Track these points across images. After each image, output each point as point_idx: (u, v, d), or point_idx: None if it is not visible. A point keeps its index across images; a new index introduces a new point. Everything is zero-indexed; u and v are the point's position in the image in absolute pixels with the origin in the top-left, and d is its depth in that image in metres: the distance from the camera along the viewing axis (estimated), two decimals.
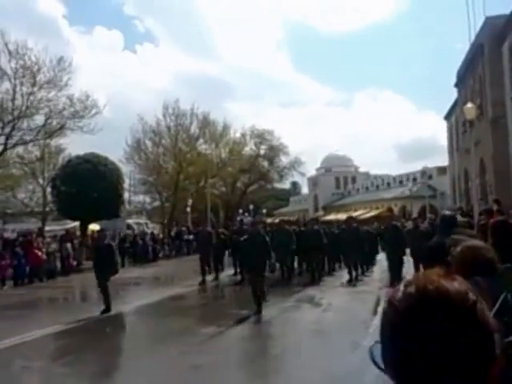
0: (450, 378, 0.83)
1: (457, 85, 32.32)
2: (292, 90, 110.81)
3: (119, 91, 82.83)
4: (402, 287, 0.91)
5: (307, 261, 16.69)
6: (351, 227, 16.30)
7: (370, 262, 18.40)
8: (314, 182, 68.99)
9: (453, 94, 34.01)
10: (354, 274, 15.38)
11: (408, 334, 0.85)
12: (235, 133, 49.51)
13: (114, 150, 64.65)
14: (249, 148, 51.63)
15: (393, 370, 0.89)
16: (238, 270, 17.17)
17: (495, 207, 12.25)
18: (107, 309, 11.33)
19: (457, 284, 0.88)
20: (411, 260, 13.41)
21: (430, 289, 0.86)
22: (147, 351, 7.82)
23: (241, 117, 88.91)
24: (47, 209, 38.50)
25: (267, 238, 11.95)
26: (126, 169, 41.18)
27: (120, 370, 7.41)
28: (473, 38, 26.42)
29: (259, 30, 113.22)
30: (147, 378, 6.42)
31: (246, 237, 11.98)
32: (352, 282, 14.91)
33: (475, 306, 0.86)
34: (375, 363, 1.09)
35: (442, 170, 46.13)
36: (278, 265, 15.35)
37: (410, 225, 16.63)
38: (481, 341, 0.84)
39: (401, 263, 13.67)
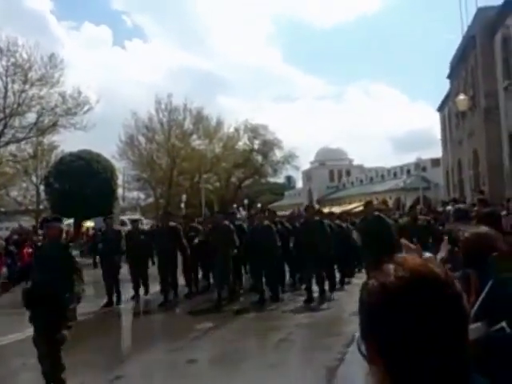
0: (438, 356, 0.86)
1: (449, 76, 32.35)
2: (284, 84, 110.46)
3: (110, 87, 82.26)
4: (390, 270, 0.92)
5: (306, 270, 11.00)
6: (311, 221, 11.02)
7: (344, 271, 12.96)
8: (308, 175, 68.98)
9: (446, 86, 34.08)
10: (323, 288, 10.87)
11: (400, 314, 0.87)
12: (229, 128, 49.56)
13: (106, 146, 64.58)
14: (242, 143, 51.70)
15: (383, 352, 0.90)
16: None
17: (479, 197, 12.38)
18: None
19: (440, 269, 0.92)
20: None
21: (423, 271, 0.90)
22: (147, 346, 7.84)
23: (233, 111, 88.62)
24: (41, 207, 38.41)
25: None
26: (120, 165, 41.14)
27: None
28: (465, 29, 26.44)
29: (250, 24, 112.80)
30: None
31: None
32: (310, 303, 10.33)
33: (461, 290, 0.91)
34: (363, 354, 1.09)
35: (435, 162, 46.23)
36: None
37: (404, 219, 12.83)
38: (463, 323, 0.90)
39: None
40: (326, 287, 11.01)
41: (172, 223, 12.07)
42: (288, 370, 6.47)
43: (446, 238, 4.21)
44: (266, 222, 11.24)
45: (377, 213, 10.55)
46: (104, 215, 13.81)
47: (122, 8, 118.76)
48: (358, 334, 1.13)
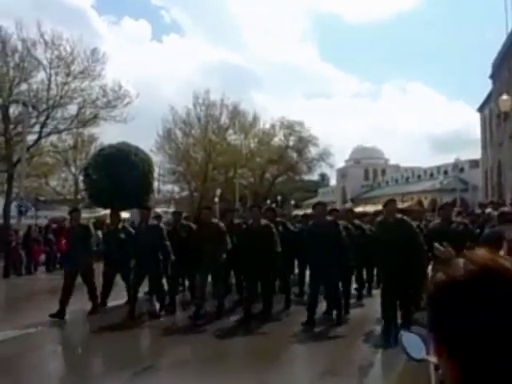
0: (506, 353, 0.84)
1: (492, 76, 31.63)
2: (319, 81, 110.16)
3: (148, 81, 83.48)
4: (460, 264, 0.91)
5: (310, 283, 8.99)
6: (320, 222, 8.65)
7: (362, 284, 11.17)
8: (342, 173, 68.48)
9: (487, 86, 33.35)
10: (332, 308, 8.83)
11: (468, 308, 0.86)
12: (265, 124, 49.55)
13: (142, 140, 65.48)
14: (278, 139, 51.57)
15: (449, 346, 0.89)
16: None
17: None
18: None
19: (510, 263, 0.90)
20: None
21: (492, 266, 0.88)
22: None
23: (266, 107, 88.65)
24: (79, 197, 39.24)
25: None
26: (157, 158, 41.66)
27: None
28: (510, 26, 25.81)
29: (285, 20, 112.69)
30: None
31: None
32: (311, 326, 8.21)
33: None
34: (405, 351, 1.14)
35: (474, 163, 45.31)
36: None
37: (435, 222, 9.23)
38: None
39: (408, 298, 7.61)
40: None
41: (154, 222, 10.24)
42: None
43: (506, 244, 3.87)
44: (264, 221, 8.94)
45: (399, 215, 8.10)
46: (140, 207, 13.59)
47: (160, 3, 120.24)
48: (403, 333, 1.18)
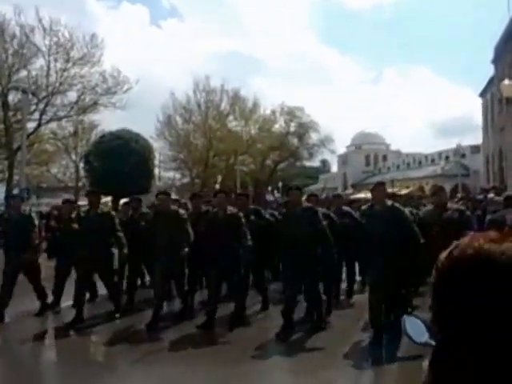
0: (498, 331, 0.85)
1: (494, 61, 31.41)
2: (321, 66, 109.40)
3: (147, 67, 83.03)
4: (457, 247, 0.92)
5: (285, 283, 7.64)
6: (295, 211, 7.27)
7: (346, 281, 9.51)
8: (343, 159, 68.41)
9: (489, 71, 33.12)
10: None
11: (458, 290, 0.87)
12: (265, 110, 49.39)
13: (142, 125, 65.36)
14: (279, 125, 51.43)
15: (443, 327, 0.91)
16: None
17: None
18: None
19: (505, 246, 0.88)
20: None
21: (469, 252, 0.88)
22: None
23: (269, 93, 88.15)
24: (80, 184, 39.30)
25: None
26: (157, 145, 41.65)
27: None
28: None
29: (287, 5, 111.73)
30: None
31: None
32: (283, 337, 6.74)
33: None
34: (408, 335, 1.13)
35: (475, 149, 45.20)
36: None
37: (425, 209, 8.07)
38: None
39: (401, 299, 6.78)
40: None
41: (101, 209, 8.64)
42: None
43: None
44: (231, 209, 7.58)
45: (390, 201, 6.76)
46: (141, 194, 13.39)
47: None
48: (406, 317, 1.17)
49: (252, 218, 8.25)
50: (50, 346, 7.27)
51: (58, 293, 8.70)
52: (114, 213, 8.93)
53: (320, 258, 6.98)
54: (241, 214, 7.54)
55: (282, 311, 6.93)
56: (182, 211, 7.96)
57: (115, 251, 8.26)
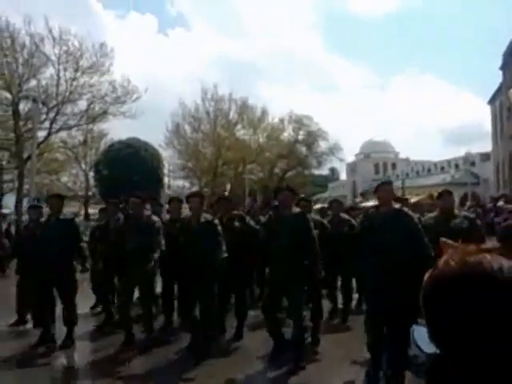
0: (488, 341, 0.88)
1: (502, 67, 31.29)
2: (327, 74, 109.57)
3: (155, 76, 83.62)
4: (442, 262, 0.97)
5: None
6: (281, 216, 6.14)
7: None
8: (352, 168, 68.35)
9: (498, 78, 32.99)
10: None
11: (449, 303, 0.91)
12: (273, 118, 49.48)
13: (150, 134, 65.67)
14: (287, 133, 51.49)
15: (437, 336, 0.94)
16: None
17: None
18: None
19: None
20: None
21: (473, 265, 0.91)
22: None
23: (275, 101, 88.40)
24: (89, 193, 39.50)
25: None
26: (166, 154, 41.82)
27: None
28: None
29: (293, 12, 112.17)
30: None
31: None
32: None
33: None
34: (417, 345, 1.12)
35: (485, 157, 44.97)
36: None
37: (428, 216, 6.64)
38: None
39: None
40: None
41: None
42: None
43: None
44: (206, 216, 6.74)
45: (397, 205, 5.51)
46: (150, 202, 13.16)
47: None
48: (415, 327, 1.16)
49: (236, 224, 7.32)
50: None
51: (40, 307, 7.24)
52: (77, 220, 7.96)
53: (307, 273, 5.90)
54: (216, 222, 6.69)
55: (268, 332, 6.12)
56: (155, 218, 7.12)
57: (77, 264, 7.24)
